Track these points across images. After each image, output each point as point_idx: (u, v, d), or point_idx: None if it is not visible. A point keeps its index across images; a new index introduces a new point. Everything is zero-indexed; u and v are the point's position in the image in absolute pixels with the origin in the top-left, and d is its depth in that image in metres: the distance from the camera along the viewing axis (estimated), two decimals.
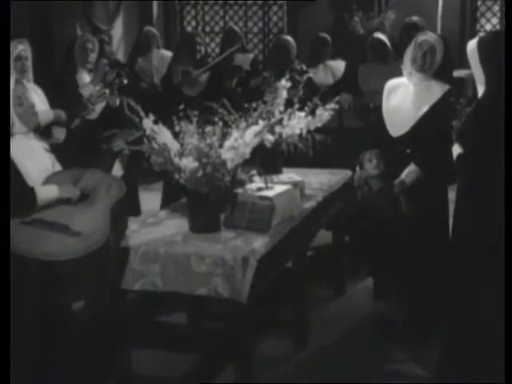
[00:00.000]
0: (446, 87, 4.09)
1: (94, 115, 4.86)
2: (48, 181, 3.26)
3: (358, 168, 4.27)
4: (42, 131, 3.68)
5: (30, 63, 4.55)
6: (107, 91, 4.88)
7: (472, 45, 3.28)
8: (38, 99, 4.16)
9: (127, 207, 3.32)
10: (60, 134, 4.50)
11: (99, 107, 4.90)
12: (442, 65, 4.10)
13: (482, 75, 3.27)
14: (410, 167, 4.07)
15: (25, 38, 4.57)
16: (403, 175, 4.08)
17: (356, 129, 5.56)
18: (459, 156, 3.34)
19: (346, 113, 5.60)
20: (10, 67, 4.36)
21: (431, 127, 4.00)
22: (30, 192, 3.02)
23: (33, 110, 3.29)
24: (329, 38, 6.39)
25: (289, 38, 6.33)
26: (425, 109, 4.08)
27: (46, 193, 3.08)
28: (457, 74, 4.36)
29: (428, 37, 4.10)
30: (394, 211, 4.08)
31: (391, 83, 4.29)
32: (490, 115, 3.20)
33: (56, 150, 3.46)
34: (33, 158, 3.20)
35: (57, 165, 3.32)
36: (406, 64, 4.17)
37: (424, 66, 4.07)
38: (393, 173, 4.12)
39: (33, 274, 2.83)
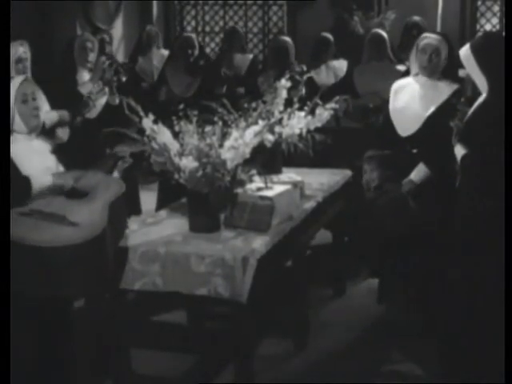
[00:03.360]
0: (455, 86, 4.09)
1: (93, 114, 4.87)
2: None
3: (365, 167, 4.26)
4: (47, 132, 3.68)
5: (28, 64, 4.58)
6: (106, 88, 4.88)
7: (465, 51, 3.31)
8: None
9: (127, 205, 3.31)
10: (63, 134, 4.51)
11: (99, 106, 4.90)
12: (448, 63, 4.11)
13: (482, 78, 3.28)
14: (418, 166, 4.08)
15: (25, 40, 4.59)
16: (412, 175, 4.10)
17: (356, 129, 5.56)
18: (464, 157, 3.33)
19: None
20: (12, 69, 4.40)
21: (439, 127, 3.95)
22: (26, 179, 3.04)
23: (36, 112, 3.28)
24: (331, 38, 6.37)
25: (286, 38, 6.31)
26: (433, 108, 4.08)
27: (41, 180, 3.10)
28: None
29: (430, 40, 4.09)
30: (401, 212, 4.07)
31: (398, 84, 4.30)
32: (497, 115, 3.20)
33: (57, 150, 3.46)
34: (34, 159, 3.20)
35: (60, 166, 3.32)
36: (413, 67, 4.17)
37: (431, 69, 4.07)
38: (401, 175, 4.12)
39: (29, 262, 2.82)
